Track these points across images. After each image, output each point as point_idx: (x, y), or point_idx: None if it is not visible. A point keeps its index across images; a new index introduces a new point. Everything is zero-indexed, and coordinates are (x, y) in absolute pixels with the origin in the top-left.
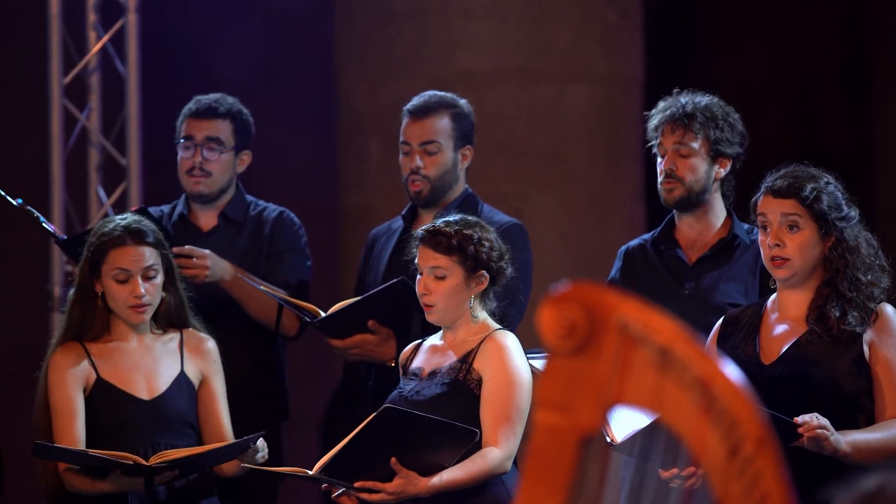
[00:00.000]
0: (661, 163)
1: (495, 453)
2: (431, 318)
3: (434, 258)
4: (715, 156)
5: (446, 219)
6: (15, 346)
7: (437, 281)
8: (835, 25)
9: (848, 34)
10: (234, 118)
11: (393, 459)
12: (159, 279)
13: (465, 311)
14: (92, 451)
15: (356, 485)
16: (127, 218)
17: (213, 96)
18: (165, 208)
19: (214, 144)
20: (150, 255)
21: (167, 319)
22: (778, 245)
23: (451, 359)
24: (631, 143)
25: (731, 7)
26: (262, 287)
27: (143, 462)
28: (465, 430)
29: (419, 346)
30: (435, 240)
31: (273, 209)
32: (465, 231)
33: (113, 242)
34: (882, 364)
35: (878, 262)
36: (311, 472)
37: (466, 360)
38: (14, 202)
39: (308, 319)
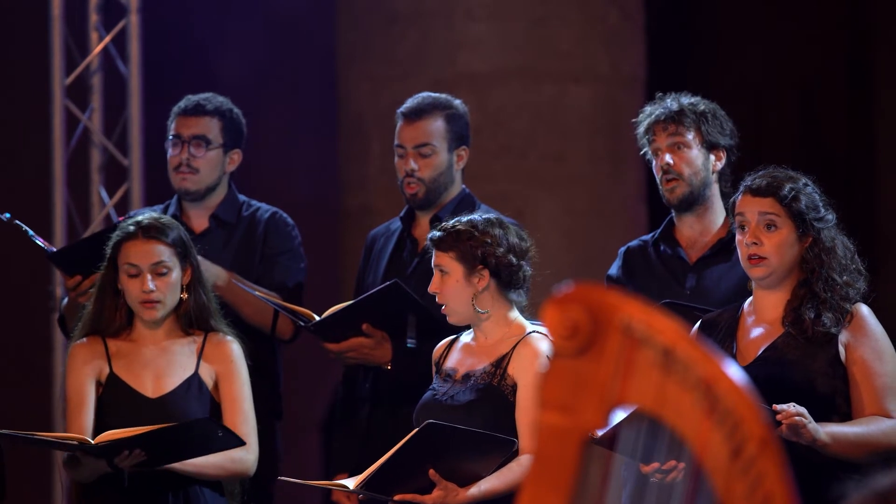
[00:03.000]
0: (655, 163)
1: None
2: (450, 319)
3: (437, 257)
4: (709, 147)
5: (458, 219)
6: (16, 346)
7: (442, 280)
8: (836, 25)
9: (849, 33)
10: (223, 116)
11: (431, 471)
12: (172, 277)
13: (486, 309)
14: (38, 434)
15: (396, 498)
16: (147, 215)
17: (203, 95)
18: (158, 209)
19: (201, 142)
20: (161, 252)
21: (188, 322)
22: (755, 243)
23: (484, 361)
24: (633, 144)
25: (733, 7)
26: (256, 292)
27: (89, 441)
28: (504, 441)
29: (453, 342)
30: (437, 239)
31: (266, 210)
32: (461, 227)
33: (126, 237)
34: (858, 364)
35: (854, 265)
36: (351, 488)
37: (501, 364)
38: (2, 217)
39: (302, 324)
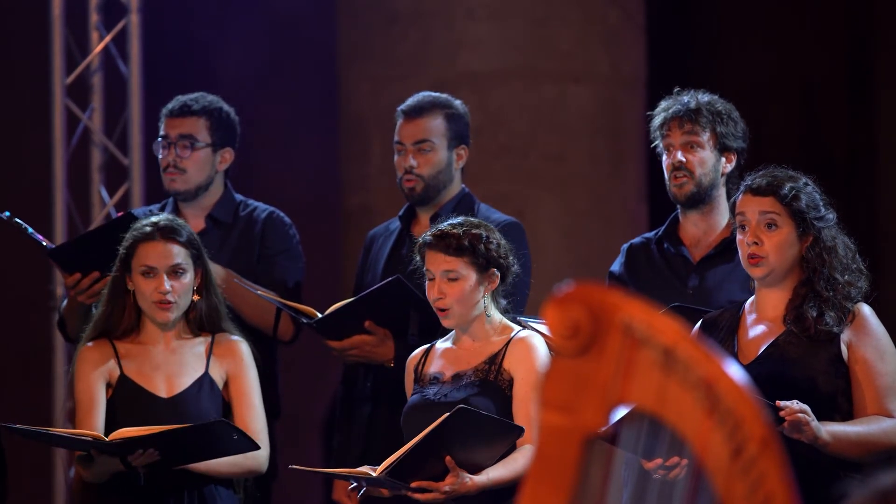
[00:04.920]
0: (666, 159)
1: None
2: (448, 322)
3: (445, 261)
4: (721, 149)
5: (451, 221)
6: (17, 345)
7: (450, 284)
8: (837, 24)
9: (850, 33)
10: (210, 115)
11: (448, 458)
12: (187, 279)
13: (479, 312)
14: (54, 430)
15: (412, 485)
16: (162, 216)
17: (192, 95)
18: (154, 208)
19: (188, 141)
20: (178, 253)
21: (199, 324)
22: (756, 243)
23: (473, 362)
24: (633, 143)
25: (734, 7)
26: (258, 291)
27: (103, 438)
28: (517, 428)
29: (428, 351)
30: (444, 242)
31: (263, 209)
32: (473, 231)
33: (143, 238)
34: (861, 364)
35: (855, 265)
36: (374, 475)
37: (494, 361)
38: (1, 216)
39: (305, 321)
